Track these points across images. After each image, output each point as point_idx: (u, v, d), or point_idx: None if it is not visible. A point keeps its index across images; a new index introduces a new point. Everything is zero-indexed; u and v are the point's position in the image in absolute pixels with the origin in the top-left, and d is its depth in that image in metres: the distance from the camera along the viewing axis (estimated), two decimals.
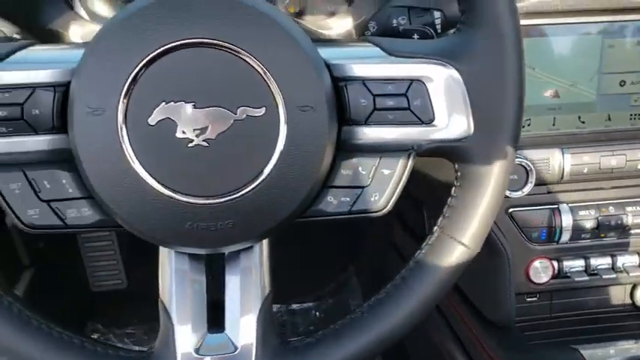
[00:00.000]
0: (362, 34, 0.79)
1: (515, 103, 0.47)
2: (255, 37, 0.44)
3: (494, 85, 0.46)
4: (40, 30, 0.72)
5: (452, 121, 0.47)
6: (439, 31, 0.61)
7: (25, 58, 0.47)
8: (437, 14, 0.61)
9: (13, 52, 0.46)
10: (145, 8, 0.44)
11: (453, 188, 0.51)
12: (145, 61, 0.43)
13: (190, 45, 0.43)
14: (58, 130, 0.46)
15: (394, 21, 0.61)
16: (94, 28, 0.79)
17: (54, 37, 0.74)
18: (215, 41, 0.43)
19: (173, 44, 0.43)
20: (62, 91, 0.45)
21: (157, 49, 0.43)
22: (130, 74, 0.43)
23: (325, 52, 0.48)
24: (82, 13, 0.80)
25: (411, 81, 0.47)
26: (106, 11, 0.81)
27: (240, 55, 0.44)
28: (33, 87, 0.45)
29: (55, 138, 0.46)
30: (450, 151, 0.49)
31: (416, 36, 0.58)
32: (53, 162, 0.47)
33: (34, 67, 0.45)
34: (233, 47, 0.44)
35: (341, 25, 0.84)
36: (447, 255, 0.50)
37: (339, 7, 0.85)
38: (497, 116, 0.47)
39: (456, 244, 0.50)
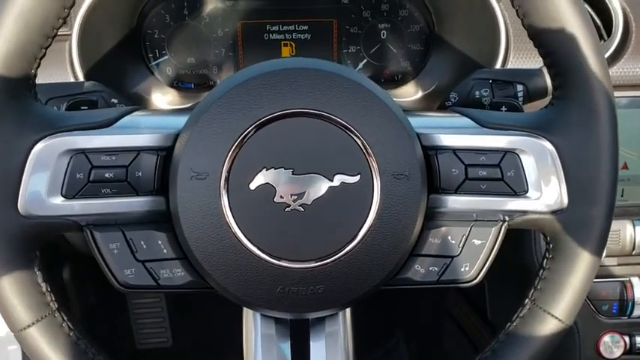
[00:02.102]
0: (433, 103, 0.80)
1: (610, 174, 0.47)
2: (354, 108, 0.45)
3: (590, 158, 0.47)
4: (126, 94, 0.76)
5: (545, 193, 0.47)
6: (521, 103, 0.62)
7: (131, 122, 0.49)
8: (519, 87, 0.62)
9: (120, 117, 0.48)
10: (250, 80, 0.45)
11: (545, 260, 0.50)
12: (249, 129, 0.44)
13: (292, 114, 0.44)
14: (157, 192, 0.47)
15: (476, 93, 0.63)
16: (174, 96, 0.83)
17: (138, 101, 0.77)
18: (315, 111, 0.44)
19: (276, 114, 0.44)
20: (164, 155, 0.47)
21: (260, 119, 0.44)
22: (235, 141, 0.44)
23: (415, 122, 0.48)
24: (162, 79, 0.84)
25: (505, 152, 0.48)
26: (182, 79, 0.85)
27: (339, 125, 0.45)
28: (138, 150, 0.46)
29: (154, 200, 0.47)
30: (542, 223, 0.49)
31: (504, 108, 0.59)
32: (150, 223, 0.48)
33: (139, 132, 0.47)
34: (332, 117, 0.45)
35: (407, 93, 0.86)
36: (540, 329, 0.49)
37: (406, 76, 0.87)
38: (593, 188, 0.47)
39: (550, 318, 0.49)
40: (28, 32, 0.43)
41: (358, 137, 0.45)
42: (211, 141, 0.44)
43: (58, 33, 0.45)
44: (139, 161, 0.46)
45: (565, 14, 0.45)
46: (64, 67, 0.72)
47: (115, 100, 0.62)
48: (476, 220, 0.49)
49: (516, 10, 0.47)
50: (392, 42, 0.86)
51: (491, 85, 0.62)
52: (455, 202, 0.48)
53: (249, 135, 0.44)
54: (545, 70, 0.63)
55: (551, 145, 0.47)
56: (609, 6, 0.74)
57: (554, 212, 0.48)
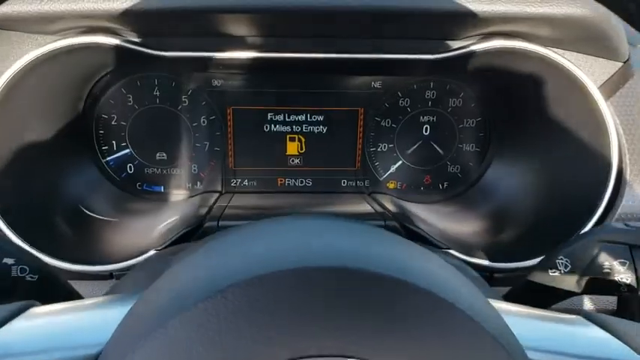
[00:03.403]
0: (497, 236, 0.56)
1: None
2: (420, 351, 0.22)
3: None
4: (60, 216, 0.53)
5: None
6: None
7: (4, 345, 0.26)
8: None
9: None
10: (229, 290, 0.22)
11: None
12: None
13: None
14: None
15: (606, 263, 0.39)
16: (133, 204, 0.60)
17: (75, 220, 0.54)
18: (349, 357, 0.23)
19: None
20: None
21: None
22: None
23: (522, 332, 0.26)
24: (119, 180, 0.62)
25: None
26: (148, 180, 0.63)
27: None
28: None
29: None
30: None
31: None
32: None
33: None
34: None
35: (455, 214, 0.63)
36: None
37: (455, 187, 0.64)
38: None
39: None
40: None
41: None
42: None
43: None
44: None
45: None
46: None
47: (9, 261, 0.39)
48: None
49: None
50: (437, 140, 0.63)
51: (632, 252, 0.38)
52: None
53: None
54: None
55: None
56: None
57: None
